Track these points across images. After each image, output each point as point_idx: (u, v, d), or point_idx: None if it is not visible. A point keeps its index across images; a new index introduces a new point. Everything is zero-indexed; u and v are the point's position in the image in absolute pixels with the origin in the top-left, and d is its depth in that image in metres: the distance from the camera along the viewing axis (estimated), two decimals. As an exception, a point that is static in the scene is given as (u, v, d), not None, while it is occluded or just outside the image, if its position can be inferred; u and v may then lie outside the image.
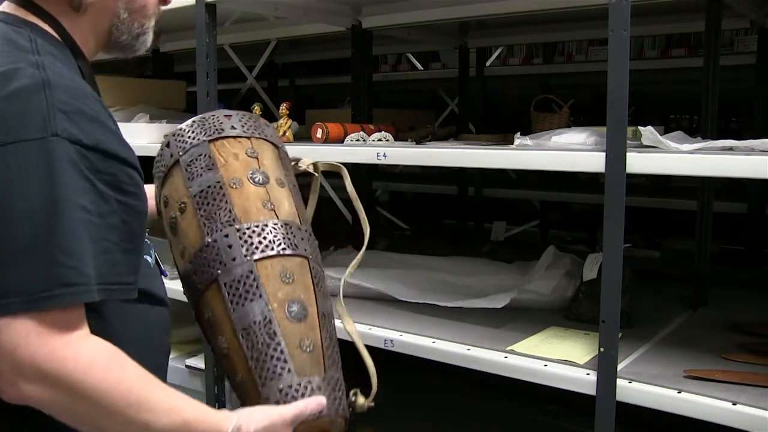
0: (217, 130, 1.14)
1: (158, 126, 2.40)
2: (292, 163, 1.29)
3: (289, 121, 2.07)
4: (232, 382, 1.06)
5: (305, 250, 1.09)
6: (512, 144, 1.67)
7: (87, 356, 0.89)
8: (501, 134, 2.01)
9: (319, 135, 1.94)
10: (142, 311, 1.05)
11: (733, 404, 1.23)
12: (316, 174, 1.33)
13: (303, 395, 0.99)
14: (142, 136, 2.30)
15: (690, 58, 2.95)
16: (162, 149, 1.17)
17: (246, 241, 1.05)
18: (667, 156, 1.30)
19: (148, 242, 1.12)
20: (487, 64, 3.36)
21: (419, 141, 1.93)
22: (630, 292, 1.71)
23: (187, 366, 2.37)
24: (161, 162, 1.17)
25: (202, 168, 1.10)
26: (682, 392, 1.29)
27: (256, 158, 1.13)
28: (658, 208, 2.89)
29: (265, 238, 1.06)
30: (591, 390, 1.37)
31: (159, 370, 1.11)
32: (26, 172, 0.86)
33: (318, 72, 4.09)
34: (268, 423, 0.96)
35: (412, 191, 3.95)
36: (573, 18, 2.58)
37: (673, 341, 1.61)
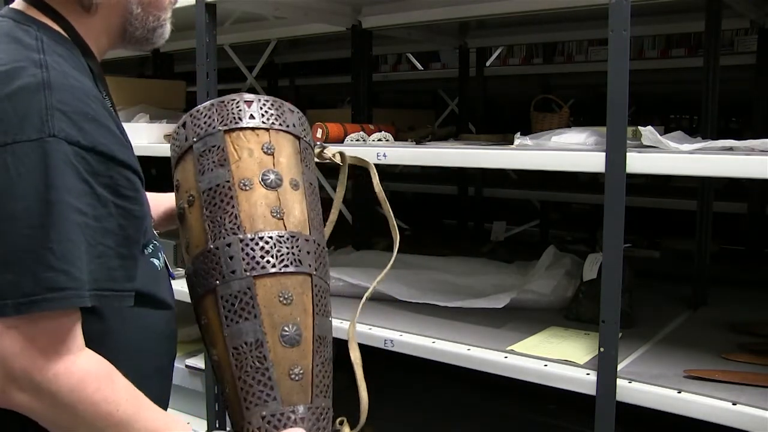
0: (234, 119, 1.08)
1: (158, 126, 2.40)
2: (318, 150, 1.25)
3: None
4: (221, 390, 1.05)
5: (309, 265, 1.05)
6: (512, 144, 1.67)
7: (79, 372, 0.89)
8: (501, 134, 2.01)
9: (319, 135, 1.94)
10: (145, 315, 1.04)
11: (733, 404, 1.23)
12: (342, 164, 1.27)
13: (286, 425, 0.97)
14: (142, 136, 2.30)
15: (690, 58, 2.95)
16: (178, 128, 1.13)
17: (248, 254, 1.01)
18: (667, 156, 1.30)
19: (158, 244, 1.10)
20: (487, 64, 3.36)
21: (419, 141, 1.93)
22: (630, 292, 1.71)
23: (187, 366, 2.37)
24: (176, 143, 1.13)
25: (213, 162, 1.06)
26: (682, 392, 1.29)
27: (272, 155, 1.08)
28: (658, 208, 2.89)
29: (267, 252, 1.02)
30: (591, 390, 1.37)
31: (161, 374, 1.10)
32: (23, 173, 0.86)
33: (318, 72, 4.09)
34: None
35: (412, 191, 3.95)
36: (573, 18, 2.58)
37: (673, 341, 1.60)
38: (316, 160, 1.25)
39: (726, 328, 1.70)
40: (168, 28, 1.14)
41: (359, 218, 2.52)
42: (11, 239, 0.85)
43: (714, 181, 1.94)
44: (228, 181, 1.04)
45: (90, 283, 0.88)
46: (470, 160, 1.66)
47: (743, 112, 3.59)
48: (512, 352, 1.53)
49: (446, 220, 3.67)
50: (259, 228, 1.03)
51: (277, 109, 1.12)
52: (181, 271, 1.14)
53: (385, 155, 1.69)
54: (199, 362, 2.35)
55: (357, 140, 1.98)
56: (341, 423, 1.06)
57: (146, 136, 2.30)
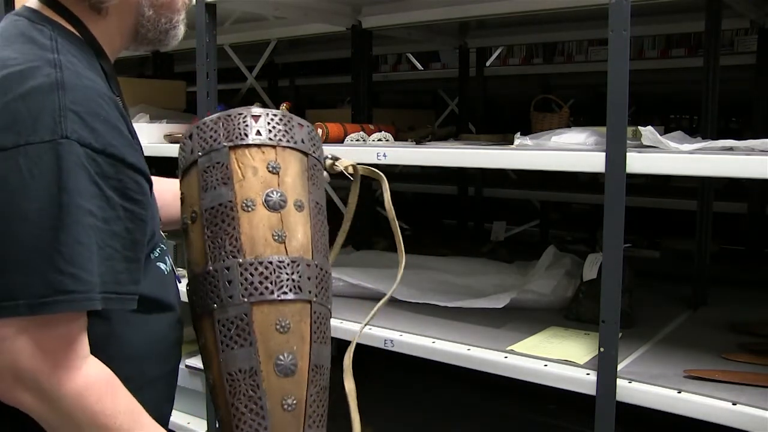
0: (240, 134, 1.06)
1: (158, 126, 2.40)
2: (329, 162, 1.23)
3: (289, 121, 2.07)
4: (215, 411, 1.04)
5: (309, 292, 1.03)
6: (512, 144, 1.67)
7: (83, 381, 0.90)
8: (501, 134, 2.01)
9: (318, 135, 1.93)
10: (150, 319, 1.04)
11: (733, 404, 1.23)
12: (354, 178, 1.25)
13: None
14: (142, 136, 2.28)
15: (690, 58, 2.95)
16: (185, 139, 1.12)
17: (246, 279, 1.00)
18: (667, 156, 1.30)
19: (164, 248, 1.10)
20: (487, 64, 3.36)
21: (419, 141, 1.93)
22: (630, 292, 1.71)
23: (187, 366, 2.37)
24: (183, 154, 1.12)
25: (217, 180, 1.04)
26: (682, 392, 1.29)
27: (277, 174, 1.05)
28: (658, 208, 2.89)
29: (266, 278, 1.00)
30: (591, 390, 1.37)
31: (166, 378, 1.11)
32: (36, 175, 0.86)
33: (318, 72, 4.09)
34: None
35: (412, 191, 3.95)
36: (573, 18, 2.58)
37: (673, 341, 1.60)
38: (328, 173, 1.23)
39: (726, 328, 1.70)
40: (182, 29, 1.14)
41: (359, 218, 2.52)
42: (23, 240, 0.86)
43: (714, 181, 1.94)
44: (231, 201, 1.03)
45: (99, 286, 0.89)
46: (470, 160, 1.66)
47: (743, 112, 3.59)
48: (512, 352, 1.52)
49: (446, 220, 3.67)
50: (260, 252, 1.01)
51: (285, 125, 1.10)
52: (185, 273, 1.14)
53: (385, 155, 1.69)
54: (199, 362, 2.33)
55: (357, 140, 1.98)
56: None
57: (146, 136, 2.30)
